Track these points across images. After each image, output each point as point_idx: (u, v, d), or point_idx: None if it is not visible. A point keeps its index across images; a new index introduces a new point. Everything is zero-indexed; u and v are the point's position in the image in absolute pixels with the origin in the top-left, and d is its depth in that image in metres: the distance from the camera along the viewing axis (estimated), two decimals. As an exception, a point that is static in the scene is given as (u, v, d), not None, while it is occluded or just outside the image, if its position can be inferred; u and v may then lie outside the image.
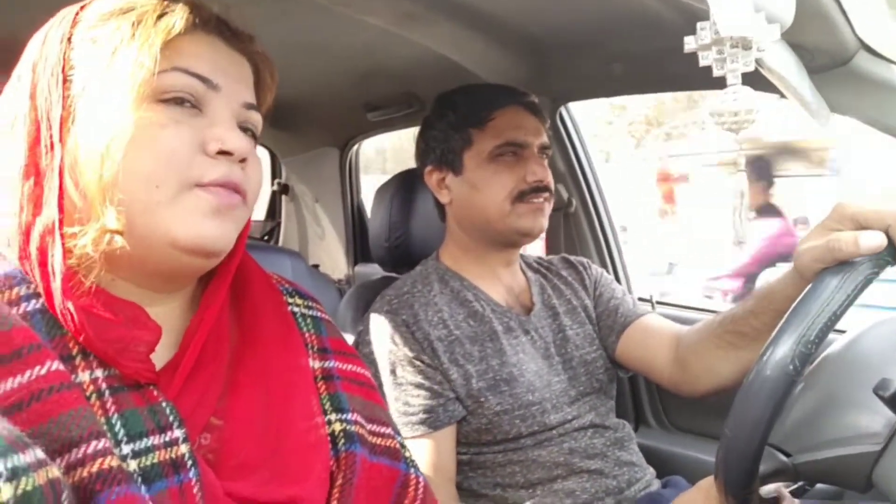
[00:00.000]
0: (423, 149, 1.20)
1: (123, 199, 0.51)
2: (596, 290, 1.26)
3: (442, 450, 1.03)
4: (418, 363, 1.04)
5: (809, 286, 0.65)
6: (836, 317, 0.63)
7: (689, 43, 0.54)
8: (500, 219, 1.11)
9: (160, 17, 0.54)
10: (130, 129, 0.51)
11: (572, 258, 1.31)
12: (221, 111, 0.56)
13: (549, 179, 1.13)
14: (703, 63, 0.54)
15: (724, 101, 0.54)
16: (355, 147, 2.18)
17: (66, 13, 0.56)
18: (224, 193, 0.54)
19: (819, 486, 0.83)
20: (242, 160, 0.56)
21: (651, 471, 1.14)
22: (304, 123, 1.94)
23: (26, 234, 0.51)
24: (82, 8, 0.56)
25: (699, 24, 0.53)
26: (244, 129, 0.59)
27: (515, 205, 1.10)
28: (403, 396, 1.03)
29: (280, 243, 2.31)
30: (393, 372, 1.04)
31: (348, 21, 1.17)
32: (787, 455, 0.70)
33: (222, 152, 0.55)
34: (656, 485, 1.13)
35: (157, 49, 0.52)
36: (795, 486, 0.80)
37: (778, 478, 0.70)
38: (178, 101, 0.54)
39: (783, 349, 0.62)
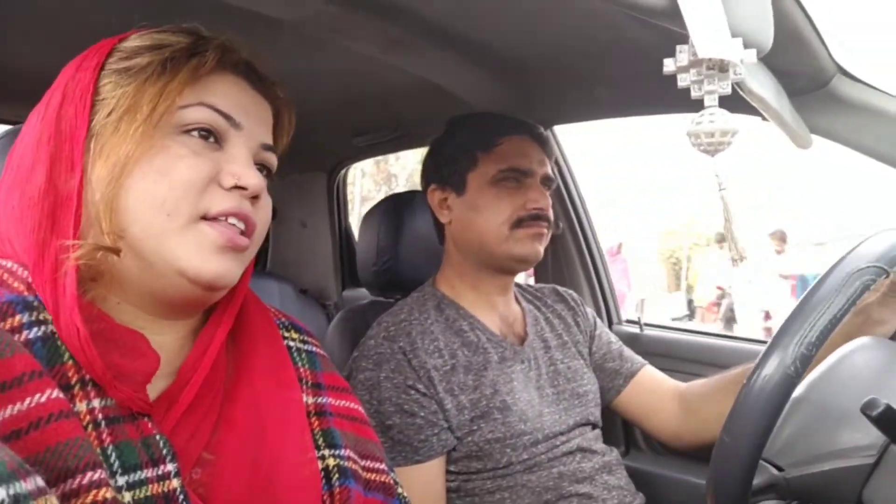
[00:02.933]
0: (429, 168, 1.22)
1: (133, 222, 0.53)
2: (595, 329, 1.29)
3: (433, 479, 1.01)
4: (413, 392, 1.03)
5: (810, 288, 0.66)
6: (837, 319, 0.63)
7: (668, 65, 0.55)
8: (498, 243, 1.11)
9: (192, 55, 0.57)
10: (143, 155, 0.53)
11: (562, 291, 1.33)
12: (240, 149, 0.59)
13: (550, 210, 1.15)
14: (681, 85, 0.54)
15: (700, 123, 0.55)
16: (343, 171, 2.19)
17: (104, 43, 0.58)
18: (230, 232, 0.57)
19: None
20: (255, 197, 0.59)
21: (641, 496, 1.13)
22: (292, 148, 1.94)
23: (42, 249, 0.52)
24: (120, 40, 0.59)
25: (678, 47, 0.54)
26: (260, 168, 0.62)
27: (513, 230, 1.11)
28: (398, 425, 1.01)
29: (268, 268, 2.29)
30: (388, 399, 1.03)
31: (334, 47, 1.18)
32: (780, 469, 0.69)
33: (237, 187, 0.57)
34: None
35: (183, 84, 0.55)
36: None
37: (770, 492, 0.70)
38: (201, 135, 0.57)
39: (784, 351, 0.63)
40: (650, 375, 1.26)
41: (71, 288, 0.50)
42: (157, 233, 0.54)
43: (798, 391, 0.72)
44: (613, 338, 1.31)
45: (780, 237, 7.05)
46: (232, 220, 0.57)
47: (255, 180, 0.58)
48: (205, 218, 0.56)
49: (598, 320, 1.32)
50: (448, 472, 1.06)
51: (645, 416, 1.23)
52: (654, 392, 1.23)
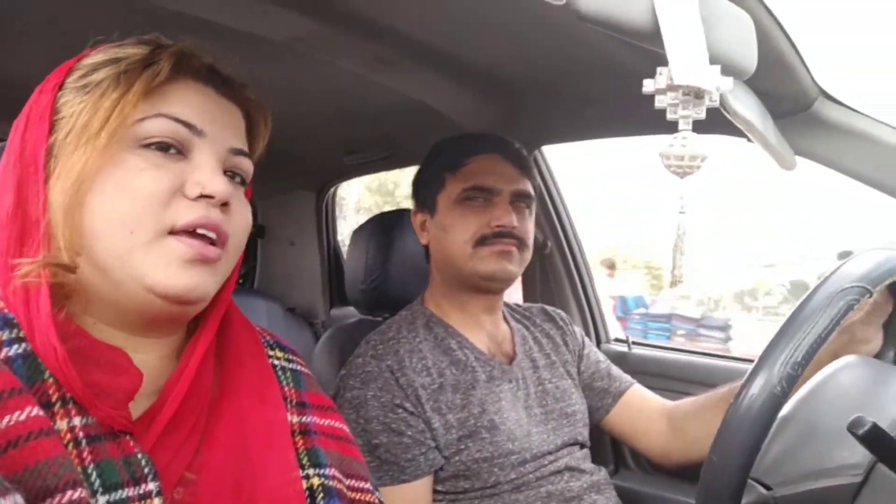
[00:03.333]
0: (413, 192, 1.24)
1: (96, 241, 0.52)
2: (584, 348, 1.29)
3: (419, 499, 1.01)
4: (401, 411, 1.02)
5: (795, 307, 0.67)
6: (822, 339, 0.64)
7: (647, 86, 0.55)
8: (464, 261, 1.11)
9: (147, 66, 0.56)
10: (101, 172, 0.52)
11: (550, 310, 1.33)
12: (205, 156, 0.57)
13: (518, 226, 1.12)
14: (658, 106, 0.55)
15: (672, 145, 0.56)
16: (332, 190, 2.19)
17: (65, 65, 0.58)
18: (199, 245, 0.55)
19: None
20: (224, 204, 0.57)
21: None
22: (281, 167, 1.95)
23: (10, 273, 0.51)
24: (79, 58, 0.58)
25: (658, 69, 0.54)
26: (232, 175, 0.60)
27: (476, 248, 1.10)
28: (385, 444, 1.01)
29: (255, 286, 2.28)
30: (375, 418, 1.02)
31: (323, 65, 1.18)
32: (768, 489, 0.69)
33: (203, 196, 0.55)
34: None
35: (138, 95, 0.54)
36: None
37: None
38: (162, 147, 0.55)
39: (770, 370, 0.63)
40: (639, 394, 1.26)
41: (45, 308, 0.49)
42: (122, 251, 0.53)
43: (785, 410, 0.72)
44: (602, 357, 1.31)
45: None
46: (201, 230, 0.55)
47: (221, 187, 0.56)
48: (172, 232, 0.54)
49: (586, 339, 1.32)
50: (436, 491, 1.05)
51: (633, 434, 1.23)
52: (642, 411, 1.23)
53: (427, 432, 1.02)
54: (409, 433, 1.01)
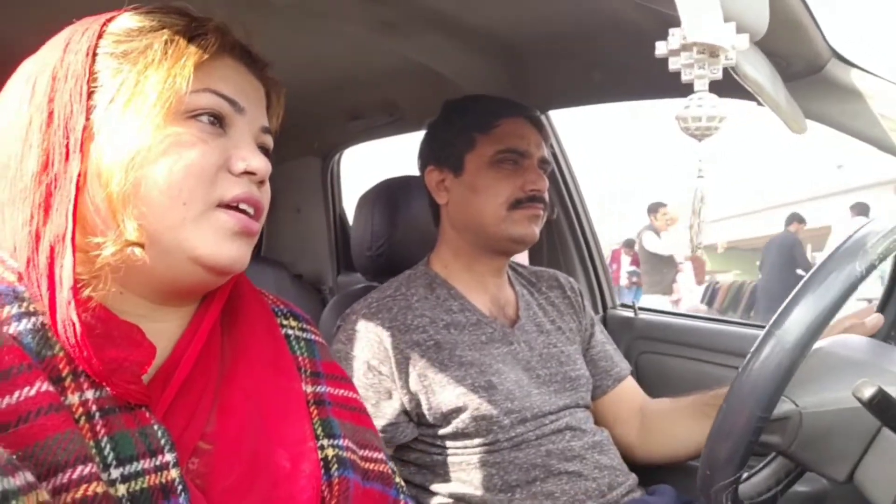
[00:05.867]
0: (426, 150, 1.23)
1: (148, 212, 0.52)
2: (594, 326, 1.30)
3: None
4: (375, 374, 1.06)
5: (812, 271, 0.67)
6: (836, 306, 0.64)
7: (660, 48, 0.54)
8: (495, 223, 1.12)
9: (191, 38, 0.55)
10: (157, 145, 0.52)
11: (563, 279, 1.33)
12: (244, 133, 0.59)
13: (546, 193, 1.15)
14: (671, 68, 0.54)
15: (688, 107, 0.55)
16: (337, 156, 2.18)
17: (90, 25, 0.56)
18: (245, 218, 0.57)
19: (799, 489, 0.84)
20: (261, 181, 0.59)
21: (633, 477, 1.14)
22: (286, 133, 1.93)
23: (36, 242, 0.50)
24: (108, 21, 0.56)
25: (671, 30, 0.53)
26: (262, 151, 0.62)
27: (511, 211, 1.12)
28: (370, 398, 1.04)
29: (262, 253, 2.29)
30: (353, 376, 1.05)
31: (328, 30, 1.17)
32: (795, 405, 0.70)
33: (246, 173, 0.57)
34: (640, 492, 1.13)
35: (191, 69, 0.54)
36: (773, 490, 0.80)
37: (778, 434, 0.70)
38: (210, 121, 0.56)
39: (793, 319, 0.63)
40: (631, 386, 1.29)
41: (68, 283, 0.48)
42: (175, 223, 0.53)
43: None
44: (608, 338, 1.33)
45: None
46: (243, 205, 0.57)
47: (262, 164, 0.58)
48: (219, 205, 0.56)
49: (595, 318, 1.34)
50: (435, 445, 1.07)
51: (614, 421, 1.25)
52: (628, 402, 1.26)
53: (397, 402, 1.05)
54: (375, 400, 1.04)
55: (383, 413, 1.05)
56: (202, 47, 0.55)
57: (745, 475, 0.80)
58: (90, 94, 0.54)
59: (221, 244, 0.55)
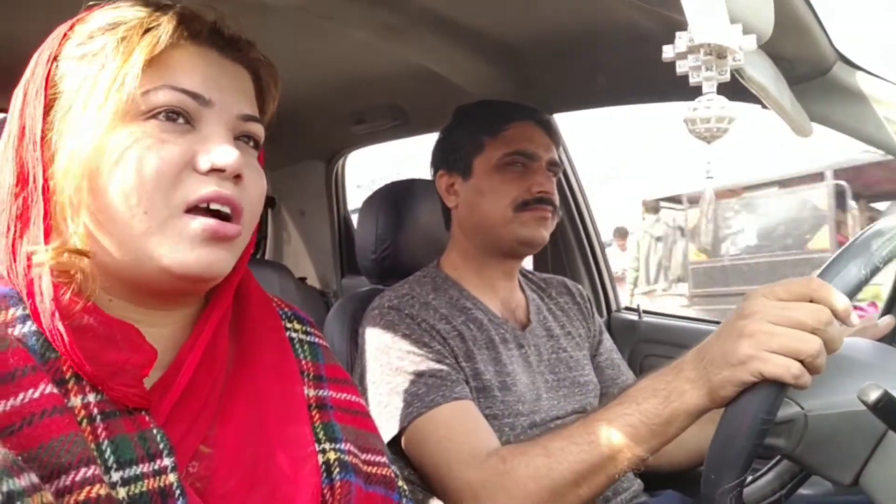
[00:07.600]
0: (437, 155, 1.23)
1: (108, 221, 0.51)
2: (602, 334, 1.30)
3: (478, 414, 0.97)
4: (429, 348, 1.01)
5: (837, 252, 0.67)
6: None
7: (667, 52, 0.54)
8: (503, 225, 1.12)
9: (146, 31, 0.52)
10: (112, 150, 0.50)
11: (571, 285, 1.33)
12: (214, 127, 0.54)
13: (555, 195, 1.16)
14: (679, 71, 0.54)
15: (697, 109, 0.54)
16: (341, 160, 2.18)
17: (59, 31, 0.55)
18: (215, 223, 0.53)
19: (804, 492, 0.83)
20: (237, 176, 0.54)
21: (638, 482, 1.14)
22: (290, 136, 1.94)
23: (13, 254, 0.50)
24: (73, 25, 0.55)
25: (677, 34, 0.53)
26: (246, 139, 0.58)
27: (518, 213, 1.12)
28: (426, 371, 0.99)
29: (266, 256, 2.29)
30: (409, 354, 1.00)
31: (332, 33, 1.17)
32: (801, 408, 0.70)
33: (214, 170, 0.53)
34: (645, 497, 1.13)
35: (140, 66, 0.51)
36: (778, 494, 0.80)
37: (783, 437, 0.70)
38: (169, 117, 0.53)
39: None
40: None
41: (48, 292, 0.48)
42: (139, 232, 0.51)
43: None
44: (614, 347, 1.32)
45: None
46: (214, 205, 0.53)
47: (231, 159, 0.53)
48: (188, 210, 0.52)
49: (603, 327, 1.33)
50: None
51: None
52: None
53: (457, 367, 1.02)
54: (443, 364, 1.00)
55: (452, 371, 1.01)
56: (155, 39, 0.52)
57: (749, 478, 0.79)
58: (53, 103, 0.52)
59: (187, 252, 0.52)
